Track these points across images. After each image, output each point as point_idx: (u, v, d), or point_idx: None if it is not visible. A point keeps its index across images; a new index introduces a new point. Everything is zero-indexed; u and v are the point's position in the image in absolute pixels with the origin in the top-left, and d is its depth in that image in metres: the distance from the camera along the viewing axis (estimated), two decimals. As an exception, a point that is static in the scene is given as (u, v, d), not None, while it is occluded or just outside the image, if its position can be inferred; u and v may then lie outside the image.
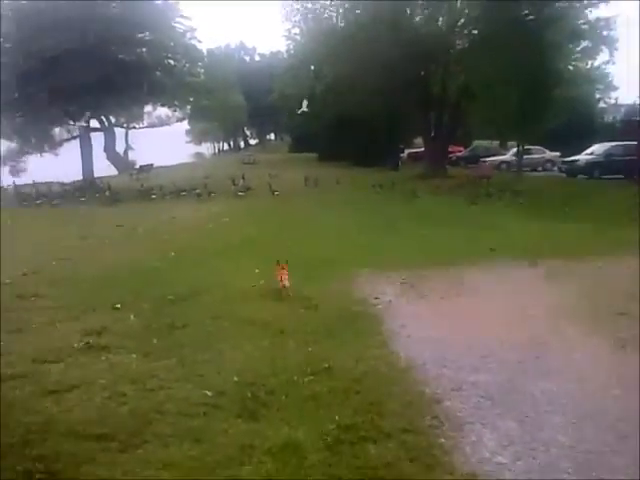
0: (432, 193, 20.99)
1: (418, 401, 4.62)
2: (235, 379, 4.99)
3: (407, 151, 43.69)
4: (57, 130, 44.75)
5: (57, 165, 41.11)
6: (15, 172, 47.20)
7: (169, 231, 13.45)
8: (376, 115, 33.87)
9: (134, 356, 5.56)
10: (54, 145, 46.59)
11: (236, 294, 7.80)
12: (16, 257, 10.79)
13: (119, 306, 7.17)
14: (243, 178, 24.37)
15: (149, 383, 4.94)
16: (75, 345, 5.83)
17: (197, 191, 22.13)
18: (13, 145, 47.57)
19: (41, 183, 27.24)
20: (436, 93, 28.56)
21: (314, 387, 4.86)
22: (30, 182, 27.73)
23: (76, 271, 9.35)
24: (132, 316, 6.80)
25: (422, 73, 28.23)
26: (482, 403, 4.62)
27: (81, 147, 28.22)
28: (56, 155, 46.63)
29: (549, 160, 34.27)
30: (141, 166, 36.01)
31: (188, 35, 27.26)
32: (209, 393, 4.74)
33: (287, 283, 7.66)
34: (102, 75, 23.58)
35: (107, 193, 22.80)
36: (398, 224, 14.14)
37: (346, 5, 30.37)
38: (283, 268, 7.73)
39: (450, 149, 34.01)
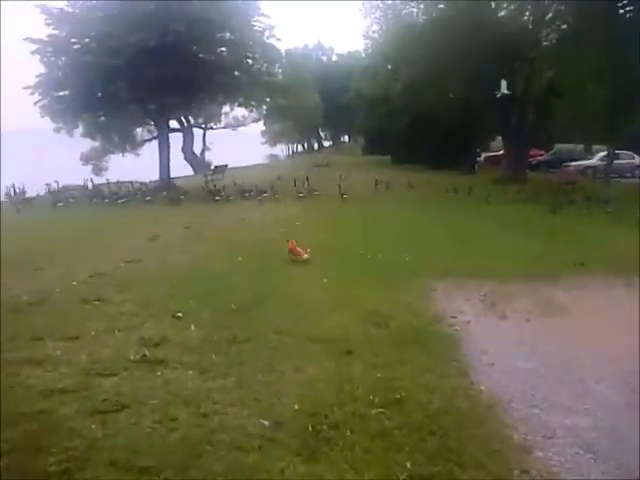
0: (511, 199, 19.84)
1: (505, 449, 3.97)
2: (295, 407, 4.51)
3: (484, 154, 42.29)
4: (139, 130, 46.31)
5: (138, 165, 42.42)
6: (97, 170, 49.20)
7: (237, 234, 13.19)
8: (453, 116, 32.90)
9: (190, 373, 5.18)
10: (135, 145, 48.25)
11: (302, 305, 7.32)
12: (85, 258, 10.81)
13: (180, 315, 6.86)
14: (307, 180, 24.02)
15: (203, 406, 4.54)
16: (131, 357, 5.52)
17: (265, 194, 22.07)
18: (97, 144, 49.57)
19: (118, 182, 27.84)
20: (520, 92, 27.18)
21: (383, 422, 4.31)
22: (113, 180, 28.43)
23: (142, 274, 9.16)
24: (193, 326, 6.45)
25: (505, 71, 26.96)
26: (581, 456, 3.93)
27: (159, 147, 28.67)
28: (137, 155, 48.28)
29: (639, 166, 32.10)
30: (216, 167, 36.33)
31: (267, 33, 27.13)
32: (266, 423, 4.29)
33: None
34: (182, 74, 23.81)
35: (178, 194, 23.03)
36: (474, 232, 13.31)
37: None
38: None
39: (530, 153, 32.46)
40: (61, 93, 25.35)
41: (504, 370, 5.34)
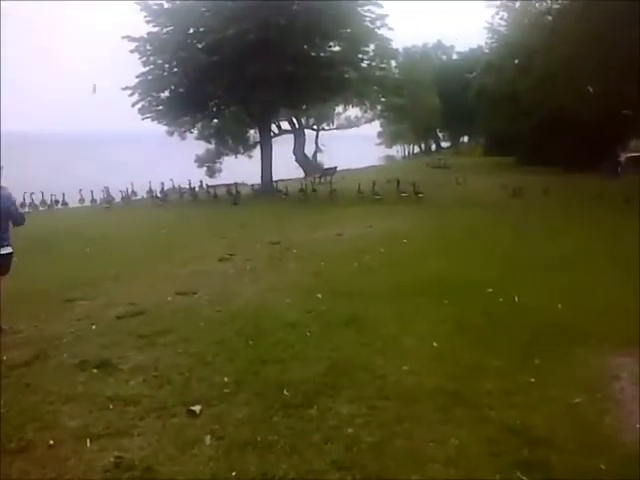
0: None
1: None
2: None
3: (624, 155, 36.94)
4: (252, 132, 45.60)
5: (251, 167, 41.37)
6: (211, 173, 49.32)
7: (328, 255, 10.53)
8: (592, 113, 28.72)
9: None
10: (248, 147, 47.57)
11: (398, 397, 4.54)
12: (135, 281, 8.69)
13: (199, 409, 4.30)
14: (411, 184, 21.07)
15: None
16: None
17: (377, 197, 19.60)
18: (211, 147, 49.79)
19: (215, 186, 26.79)
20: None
21: None
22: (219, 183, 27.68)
23: (186, 318, 6.74)
24: (208, 439, 3.89)
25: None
26: None
27: (261, 149, 26.94)
28: (250, 157, 47.50)
29: None
30: (324, 169, 34.29)
31: (378, 23, 24.32)
32: None
33: None
34: (284, 71, 21.78)
35: (276, 198, 21.15)
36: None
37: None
38: None
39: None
40: (161, 94, 24.22)
41: None
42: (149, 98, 23.76)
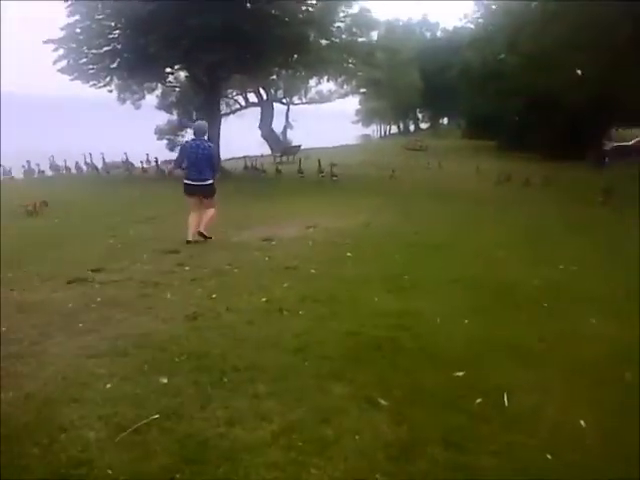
0: None
1: None
2: None
3: (611, 144, 34.68)
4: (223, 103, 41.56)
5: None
6: (172, 146, 45.33)
7: (232, 276, 7.14)
8: (582, 99, 26.40)
9: None
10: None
11: None
12: None
13: None
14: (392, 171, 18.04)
15: None
16: None
17: (334, 178, 16.74)
18: (173, 118, 45.83)
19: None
20: None
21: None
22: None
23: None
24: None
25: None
26: None
27: (207, 121, 23.50)
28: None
29: None
30: (285, 147, 31.08)
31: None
32: None
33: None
34: (235, 27, 18.19)
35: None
36: None
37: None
38: None
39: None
40: (92, 51, 20.49)
41: None
42: (73, 55, 19.89)
